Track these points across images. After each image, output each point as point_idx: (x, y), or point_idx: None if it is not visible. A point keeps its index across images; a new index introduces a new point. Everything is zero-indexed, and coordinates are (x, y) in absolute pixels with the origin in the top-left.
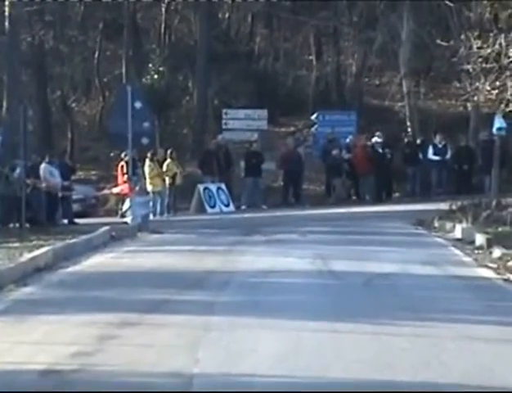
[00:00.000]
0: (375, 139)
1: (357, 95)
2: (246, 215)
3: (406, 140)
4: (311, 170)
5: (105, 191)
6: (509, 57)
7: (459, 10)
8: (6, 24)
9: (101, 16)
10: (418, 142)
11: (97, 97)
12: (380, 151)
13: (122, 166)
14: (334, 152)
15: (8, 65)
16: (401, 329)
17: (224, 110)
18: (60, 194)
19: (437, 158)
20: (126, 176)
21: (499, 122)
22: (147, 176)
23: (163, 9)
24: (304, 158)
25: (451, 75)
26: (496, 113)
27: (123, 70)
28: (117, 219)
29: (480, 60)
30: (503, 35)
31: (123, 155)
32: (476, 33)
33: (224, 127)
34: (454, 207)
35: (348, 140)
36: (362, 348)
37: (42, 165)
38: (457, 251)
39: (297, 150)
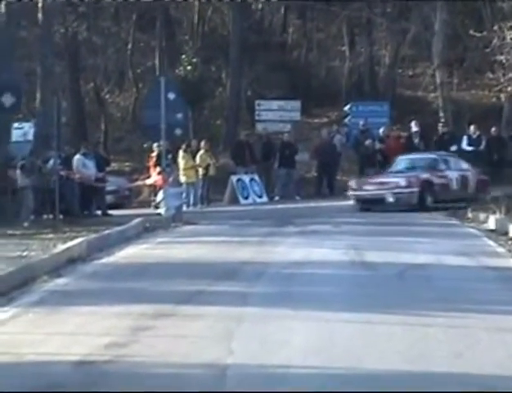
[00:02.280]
0: (413, 128)
1: (390, 86)
2: (279, 206)
3: (439, 131)
4: (344, 161)
5: (139, 183)
6: None
7: (492, 0)
8: (40, 15)
9: (134, 7)
10: (451, 132)
11: (130, 89)
12: (416, 140)
13: (153, 157)
14: (367, 142)
15: (41, 56)
16: (434, 320)
17: (257, 102)
18: (93, 185)
19: (470, 149)
20: (159, 167)
21: None
22: (181, 167)
23: (197, 0)
24: (340, 149)
25: (484, 66)
26: None
27: (157, 62)
28: (150, 211)
29: None
30: None
31: (154, 146)
32: (509, 24)
33: (257, 118)
34: (487, 198)
35: (380, 131)
36: (396, 339)
37: (76, 157)
38: (491, 242)
39: (332, 141)
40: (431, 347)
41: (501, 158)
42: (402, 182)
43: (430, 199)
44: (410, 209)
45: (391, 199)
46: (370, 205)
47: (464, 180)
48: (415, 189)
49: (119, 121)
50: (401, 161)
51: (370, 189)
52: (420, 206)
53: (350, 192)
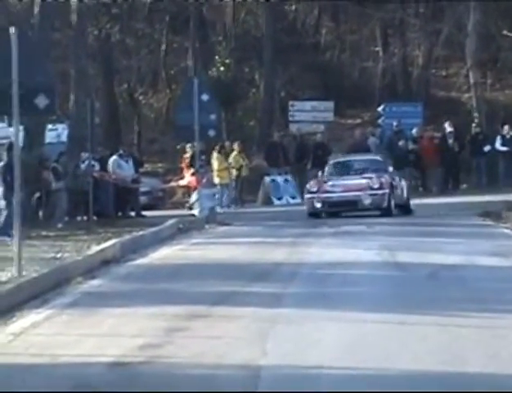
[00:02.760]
0: (446, 129)
1: (423, 86)
2: None
3: (472, 131)
4: None
5: (172, 184)
6: None
7: None
8: (73, 17)
9: (167, 9)
10: (485, 133)
11: (164, 90)
12: (450, 141)
13: (187, 158)
14: (401, 143)
15: (75, 58)
16: (468, 320)
17: (290, 102)
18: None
19: (505, 149)
20: (192, 169)
21: None
22: (214, 168)
23: (230, 1)
24: (374, 150)
25: None
26: None
27: (190, 63)
28: (184, 212)
29: None
30: None
31: (187, 147)
32: None
33: (290, 119)
34: None
35: (414, 131)
36: (430, 339)
37: (112, 158)
38: None
39: (365, 142)
40: (465, 348)
41: None
42: (375, 183)
43: (393, 202)
44: (380, 213)
45: (367, 201)
46: (339, 208)
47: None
48: (387, 191)
49: (152, 122)
50: (343, 163)
51: (337, 191)
52: (388, 210)
53: (309, 195)
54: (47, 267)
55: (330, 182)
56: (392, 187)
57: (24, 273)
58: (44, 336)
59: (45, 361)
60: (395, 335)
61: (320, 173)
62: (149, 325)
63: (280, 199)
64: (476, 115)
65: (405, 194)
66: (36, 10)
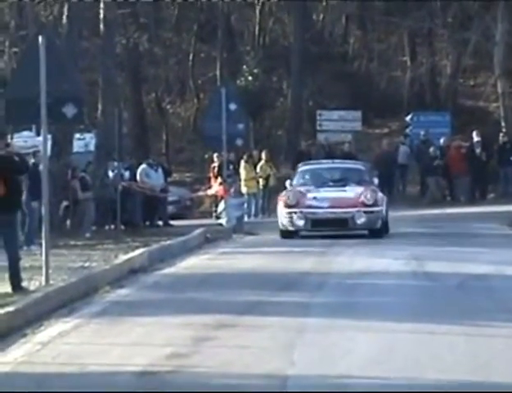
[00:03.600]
0: (474, 138)
1: (451, 96)
2: None
3: (500, 141)
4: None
5: (200, 193)
6: None
7: None
8: (101, 26)
9: (195, 18)
10: (510, 142)
11: (192, 99)
12: (478, 150)
13: (214, 168)
14: (431, 150)
15: (103, 67)
16: (497, 331)
17: (318, 112)
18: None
19: None
20: (220, 178)
21: None
22: (242, 178)
23: (258, 11)
24: (406, 160)
25: None
26: None
27: (218, 72)
28: (212, 221)
29: None
30: None
31: (215, 156)
32: None
33: (318, 128)
34: None
35: (441, 141)
36: (458, 349)
37: (141, 167)
38: None
39: (394, 151)
40: (493, 358)
41: None
42: (370, 198)
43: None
44: (373, 234)
45: (362, 220)
46: (325, 227)
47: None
48: (382, 208)
49: (180, 132)
50: (318, 171)
51: (323, 206)
52: (380, 231)
53: (286, 209)
54: (74, 276)
55: (309, 195)
56: (384, 202)
57: (51, 282)
58: (72, 345)
59: (73, 370)
60: (423, 345)
61: (287, 182)
62: (176, 334)
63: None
64: (503, 124)
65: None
66: (64, 19)
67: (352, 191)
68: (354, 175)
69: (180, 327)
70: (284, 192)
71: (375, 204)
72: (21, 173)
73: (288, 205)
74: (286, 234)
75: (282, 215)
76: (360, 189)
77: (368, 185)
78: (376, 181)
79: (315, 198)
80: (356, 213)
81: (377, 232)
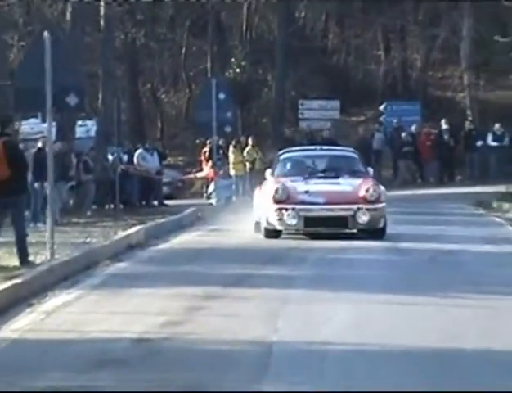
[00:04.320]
0: (442, 126)
1: (421, 87)
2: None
3: (466, 128)
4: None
5: (192, 176)
6: None
7: None
8: (102, 22)
9: (187, 15)
10: (477, 129)
11: (184, 89)
12: (446, 137)
13: (205, 152)
14: (403, 136)
15: (103, 60)
16: (465, 301)
17: (300, 101)
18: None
19: (495, 144)
20: (210, 161)
21: None
22: (231, 161)
23: (245, 8)
24: (381, 146)
25: (508, 68)
26: None
27: (208, 65)
28: (203, 201)
29: None
30: None
31: (208, 141)
32: None
33: (300, 116)
34: (511, 189)
35: (412, 128)
36: (430, 319)
37: (137, 151)
38: None
39: (369, 138)
40: (463, 326)
41: None
42: (373, 193)
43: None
44: (371, 235)
45: (364, 218)
46: (321, 226)
47: None
48: (384, 204)
49: (173, 119)
50: (301, 158)
51: (318, 202)
52: (383, 231)
53: (275, 205)
54: (77, 251)
55: (301, 188)
56: (385, 196)
57: (56, 256)
58: (74, 314)
59: (75, 337)
60: (397, 314)
61: (267, 172)
62: (170, 304)
63: None
64: (469, 113)
65: None
66: (68, 16)
67: (348, 185)
68: (346, 164)
69: (173, 298)
70: (265, 184)
71: (377, 200)
72: (20, 163)
73: (277, 201)
74: (272, 233)
75: (268, 212)
76: (357, 181)
77: (366, 177)
78: (371, 171)
79: (307, 192)
80: (357, 210)
81: (379, 232)
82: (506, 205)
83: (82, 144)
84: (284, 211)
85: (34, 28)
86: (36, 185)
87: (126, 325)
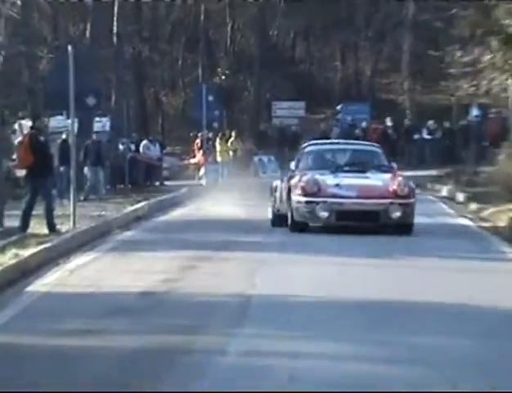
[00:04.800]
0: (387, 123)
1: (370, 91)
2: None
3: (405, 124)
4: None
5: (186, 162)
6: (481, 63)
7: (445, 29)
8: (114, 39)
9: (183, 33)
10: (415, 125)
11: (180, 93)
12: (390, 131)
13: (197, 143)
14: (356, 131)
15: (115, 69)
16: (405, 262)
17: (273, 102)
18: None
19: (429, 137)
20: (201, 150)
21: (476, 110)
22: (217, 150)
23: (229, 28)
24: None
25: (439, 77)
26: (472, 104)
27: (200, 73)
28: (195, 182)
29: (461, 65)
30: (477, 48)
31: (199, 134)
32: (457, 46)
33: (273, 115)
34: (442, 173)
35: (363, 124)
36: (375, 276)
37: (143, 143)
38: (444, 206)
39: (329, 132)
40: (401, 282)
41: (453, 144)
42: (404, 189)
43: None
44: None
45: (397, 213)
46: (352, 220)
47: None
48: (413, 200)
49: (172, 116)
50: (328, 152)
51: (350, 196)
52: (411, 227)
53: (304, 198)
54: (94, 222)
55: (330, 181)
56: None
57: (77, 226)
58: (92, 272)
59: (93, 290)
60: (349, 273)
61: (292, 164)
62: (169, 264)
63: (264, 173)
64: (408, 112)
65: None
66: (87, 33)
67: (378, 179)
68: (371, 159)
69: (171, 259)
70: (290, 176)
71: (409, 195)
72: (42, 152)
73: (308, 194)
74: (300, 226)
75: (297, 204)
76: (386, 176)
77: (393, 172)
78: (395, 165)
79: (338, 185)
80: (390, 205)
81: (408, 227)
82: (438, 186)
83: (99, 137)
84: (315, 204)
85: (60, 42)
86: (61, 169)
87: (134, 281)
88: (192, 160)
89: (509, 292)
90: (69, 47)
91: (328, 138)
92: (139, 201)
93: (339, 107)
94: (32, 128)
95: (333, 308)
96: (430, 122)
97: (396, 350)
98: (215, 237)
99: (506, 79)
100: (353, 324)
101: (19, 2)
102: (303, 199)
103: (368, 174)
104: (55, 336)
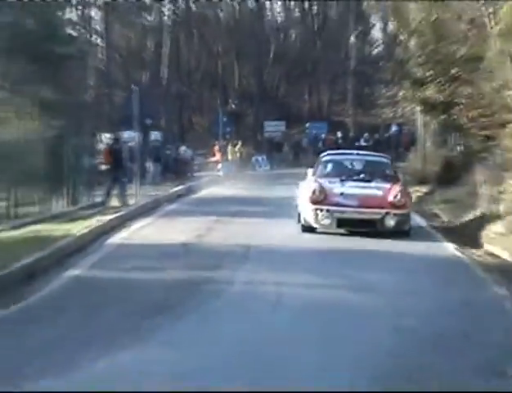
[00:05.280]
0: (339, 135)
1: (327, 115)
2: (275, 172)
3: (350, 135)
4: (308, 153)
5: (208, 160)
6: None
7: (375, 74)
8: (164, 82)
9: (208, 77)
10: (356, 136)
11: (205, 116)
12: (340, 141)
13: (216, 148)
14: (319, 142)
15: (164, 100)
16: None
17: (265, 122)
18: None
19: (365, 144)
20: (219, 152)
21: (394, 127)
22: (229, 152)
23: (237, 75)
24: (305, 145)
25: (372, 105)
26: (392, 123)
27: (218, 103)
28: (215, 173)
29: (385, 98)
30: (395, 87)
31: (217, 142)
32: (383, 85)
33: (265, 130)
34: None
35: (322, 136)
36: (347, 237)
37: (182, 148)
38: None
39: (301, 142)
40: (360, 240)
41: (380, 149)
42: (401, 199)
43: None
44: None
45: (391, 222)
46: (352, 227)
47: None
48: (409, 209)
49: (200, 131)
50: (342, 162)
51: (352, 204)
52: (408, 233)
53: (311, 206)
54: (150, 198)
55: (337, 190)
56: (411, 201)
57: (139, 201)
58: (149, 230)
59: (149, 242)
60: (328, 235)
61: (309, 171)
62: (198, 226)
63: (260, 167)
64: (352, 128)
65: None
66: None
67: (379, 189)
68: (379, 168)
69: (200, 222)
70: (306, 183)
71: (404, 206)
72: (118, 156)
73: (314, 201)
74: (308, 229)
75: (306, 210)
76: (387, 186)
77: (395, 182)
78: (401, 176)
79: (342, 194)
80: (385, 215)
81: (405, 232)
82: None
83: (155, 144)
84: (319, 212)
85: (128, 84)
86: (129, 164)
87: (177, 236)
88: (213, 159)
89: (418, 245)
90: (135, 88)
91: (300, 146)
92: (179, 185)
93: (307, 125)
94: (112, 139)
95: (309, 253)
96: (366, 134)
97: (354, 281)
98: (229, 208)
99: (414, 108)
100: (324, 263)
101: (104, 58)
102: (311, 206)
103: (372, 184)
104: (125, 272)
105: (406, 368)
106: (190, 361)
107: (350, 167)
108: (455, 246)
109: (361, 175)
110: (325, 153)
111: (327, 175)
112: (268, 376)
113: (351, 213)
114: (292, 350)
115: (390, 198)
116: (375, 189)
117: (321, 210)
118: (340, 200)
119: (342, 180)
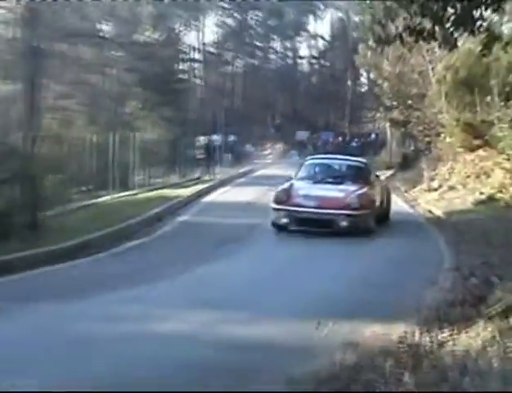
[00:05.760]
0: (340, 139)
1: (333, 127)
2: (302, 160)
3: (346, 139)
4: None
5: (263, 153)
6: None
7: (362, 102)
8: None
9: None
10: (349, 139)
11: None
12: (341, 143)
13: (267, 145)
14: (329, 145)
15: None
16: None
17: (297, 131)
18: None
19: (355, 145)
20: (269, 148)
21: (373, 135)
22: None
23: (281, 100)
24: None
25: (361, 122)
26: (372, 133)
27: (268, 119)
28: (267, 161)
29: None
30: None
31: (267, 142)
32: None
33: (296, 135)
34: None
35: (330, 140)
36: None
37: (247, 145)
38: None
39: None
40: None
41: (365, 148)
42: (355, 202)
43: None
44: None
45: (344, 223)
46: (310, 227)
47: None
48: (367, 211)
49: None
50: (321, 165)
51: (309, 205)
52: (367, 231)
53: (275, 205)
54: (227, 175)
55: (301, 192)
56: (374, 203)
57: (221, 177)
58: (226, 195)
59: (226, 201)
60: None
61: (293, 174)
62: (256, 192)
63: (293, 157)
64: (348, 135)
65: (385, 202)
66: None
67: (342, 191)
68: (354, 172)
69: (257, 191)
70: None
71: (359, 208)
72: (209, 151)
73: (276, 202)
74: (277, 227)
75: (273, 209)
76: (351, 188)
77: (364, 185)
78: (374, 176)
79: (304, 196)
80: (339, 216)
81: (362, 232)
82: None
83: (231, 142)
84: (279, 212)
85: (217, 107)
86: (216, 155)
87: (243, 198)
88: (265, 152)
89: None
90: (220, 109)
91: (316, 144)
92: (245, 168)
93: (321, 133)
94: (207, 139)
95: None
96: (356, 139)
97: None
98: (276, 181)
99: (385, 124)
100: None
101: (202, 91)
102: (273, 206)
103: (341, 186)
104: (212, 217)
105: (371, 278)
106: (244, 273)
107: (328, 170)
108: (408, 206)
109: (336, 178)
110: (310, 157)
111: (305, 177)
112: (299, 279)
113: (308, 214)
114: (310, 265)
115: (346, 200)
116: (337, 191)
117: (281, 210)
118: (301, 201)
119: (315, 182)
